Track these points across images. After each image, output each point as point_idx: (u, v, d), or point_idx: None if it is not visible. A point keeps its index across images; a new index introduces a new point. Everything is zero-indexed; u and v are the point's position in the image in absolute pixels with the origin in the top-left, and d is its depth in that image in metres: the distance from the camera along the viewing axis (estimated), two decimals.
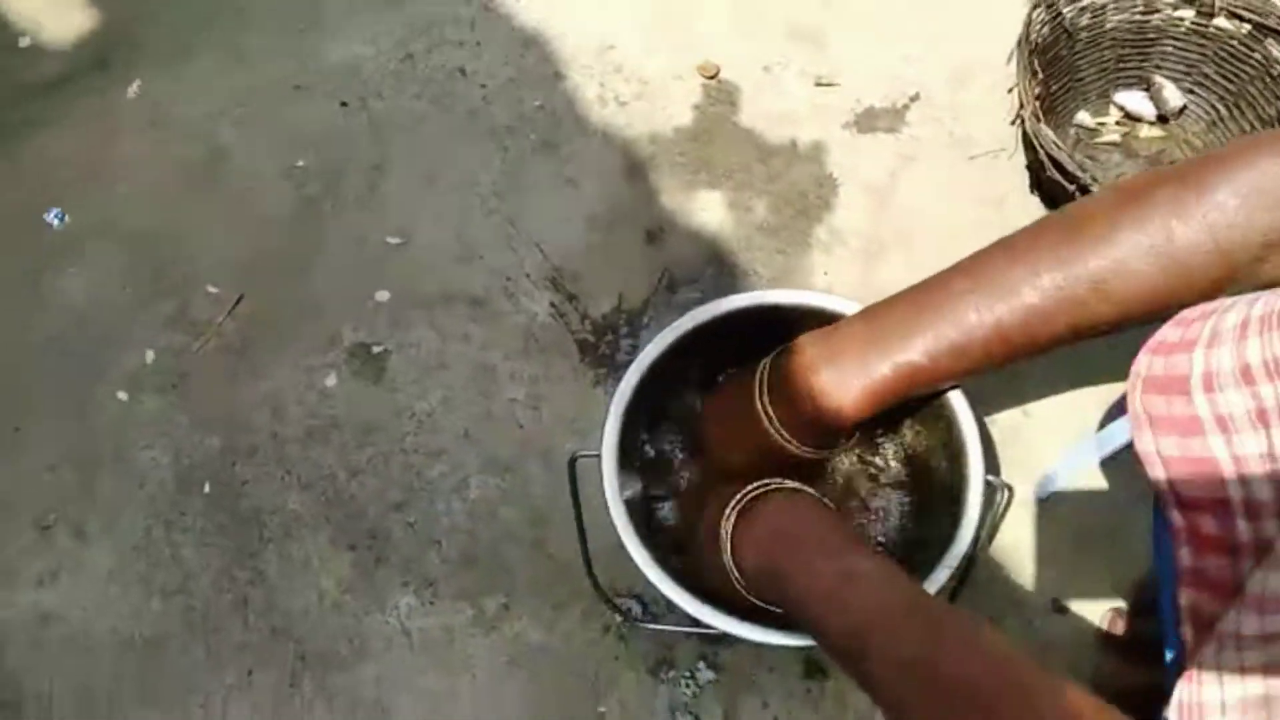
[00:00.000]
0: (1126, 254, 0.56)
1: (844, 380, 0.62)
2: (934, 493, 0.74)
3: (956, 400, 0.69)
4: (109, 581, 0.91)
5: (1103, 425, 0.90)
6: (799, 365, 0.64)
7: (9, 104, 1.13)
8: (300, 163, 1.06)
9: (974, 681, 0.47)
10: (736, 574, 0.66)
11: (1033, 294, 0.58)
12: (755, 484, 0.67)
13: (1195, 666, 0.44)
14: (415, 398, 0.95)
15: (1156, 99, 1.01)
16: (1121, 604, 0.84)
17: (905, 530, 0.77)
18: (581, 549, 0.80)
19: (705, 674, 0.84)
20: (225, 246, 1.03)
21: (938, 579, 0.64)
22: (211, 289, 1.01)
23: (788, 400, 0.64)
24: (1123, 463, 0.88)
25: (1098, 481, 0.88)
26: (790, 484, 0.67)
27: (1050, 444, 0.90)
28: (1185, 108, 1.02)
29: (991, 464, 0.87)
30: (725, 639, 0.85)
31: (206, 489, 0.93)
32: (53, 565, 0.92)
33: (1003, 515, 0.69)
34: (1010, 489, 0.68)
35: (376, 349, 0.97)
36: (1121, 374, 0.90)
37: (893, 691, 0.51)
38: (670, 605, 0.85)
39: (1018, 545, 0.86)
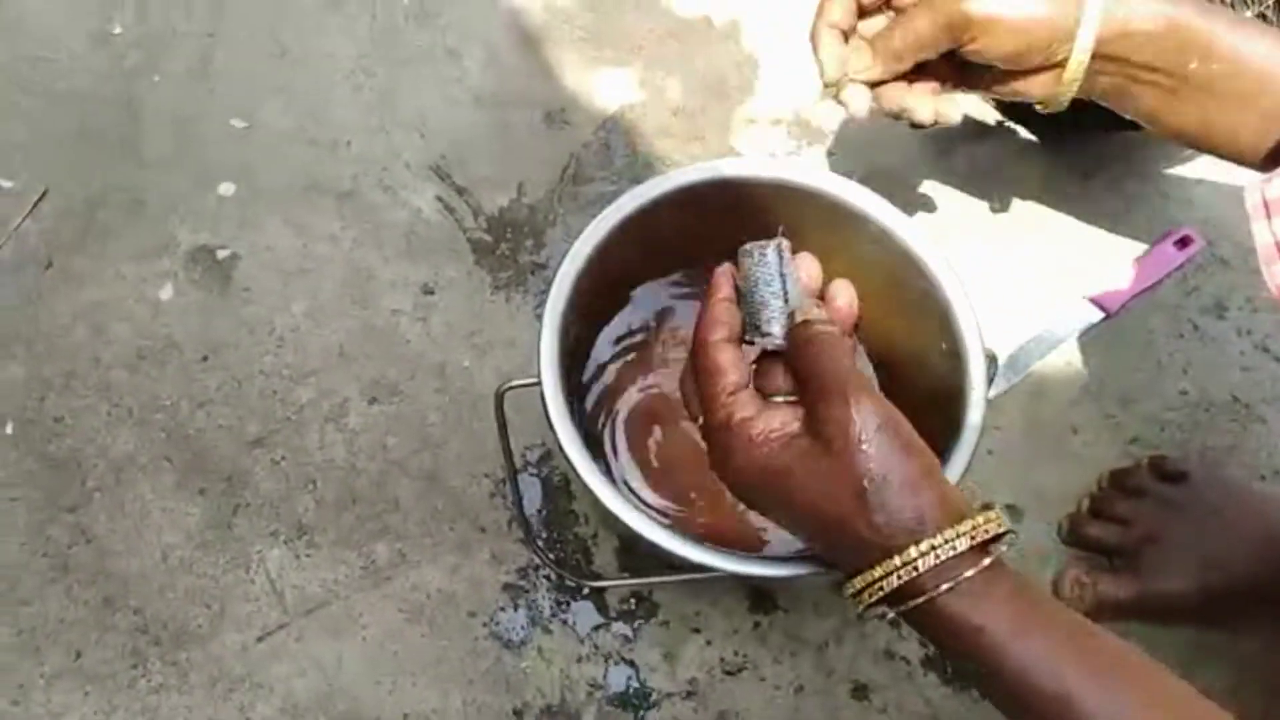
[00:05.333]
0: None
1: None
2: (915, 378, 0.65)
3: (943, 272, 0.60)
4: None
5: (1049, 321, 0.84)
6: None
7: None
8: (116, 29, 0.86)
9: None
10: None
11: None
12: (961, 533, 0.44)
13: None
14: (274, 310, 0.79)
15: None
16: (1083, 510, 0.78)
17: None
18: (514, 498, 0.68)
19: (640, 614, 0.73)
20: (19, 131, 0.83)
21: (957, 464, 0.55)
22: (4, 182, 0.81)
23: None
24: (1072, 358, 0.83)
25: (1048, 378, 0.82)
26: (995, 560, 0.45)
27: (991, 340, 0.82)
28: None
29: None
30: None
31: (8, 429, 0.75)
32: None
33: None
34: (994, 357, 0.61)
35: (222, 253, 0.80)
36: (1060, 271, 0.84)
37: None
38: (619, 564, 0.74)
39: None
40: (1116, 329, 0.84)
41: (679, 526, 0.66)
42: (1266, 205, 0.47)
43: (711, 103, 0.88)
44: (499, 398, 0.61)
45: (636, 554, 0.75)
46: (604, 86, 0.88)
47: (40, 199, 0.81)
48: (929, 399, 0.63)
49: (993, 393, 0.80)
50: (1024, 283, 0.85)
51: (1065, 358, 0.83)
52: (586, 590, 0.73)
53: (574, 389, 0.70)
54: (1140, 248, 0.86)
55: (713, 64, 0.90)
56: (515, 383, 0.60)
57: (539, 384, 0.58)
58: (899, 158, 0.87)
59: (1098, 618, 0.73)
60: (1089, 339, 0.83)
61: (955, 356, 0.60)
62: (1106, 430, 0.81)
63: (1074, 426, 0.81)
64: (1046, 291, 0.84)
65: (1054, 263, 0.86)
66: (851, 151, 0.87)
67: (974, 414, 0.57)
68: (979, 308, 0.82)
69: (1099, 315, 0.83)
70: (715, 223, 0.61)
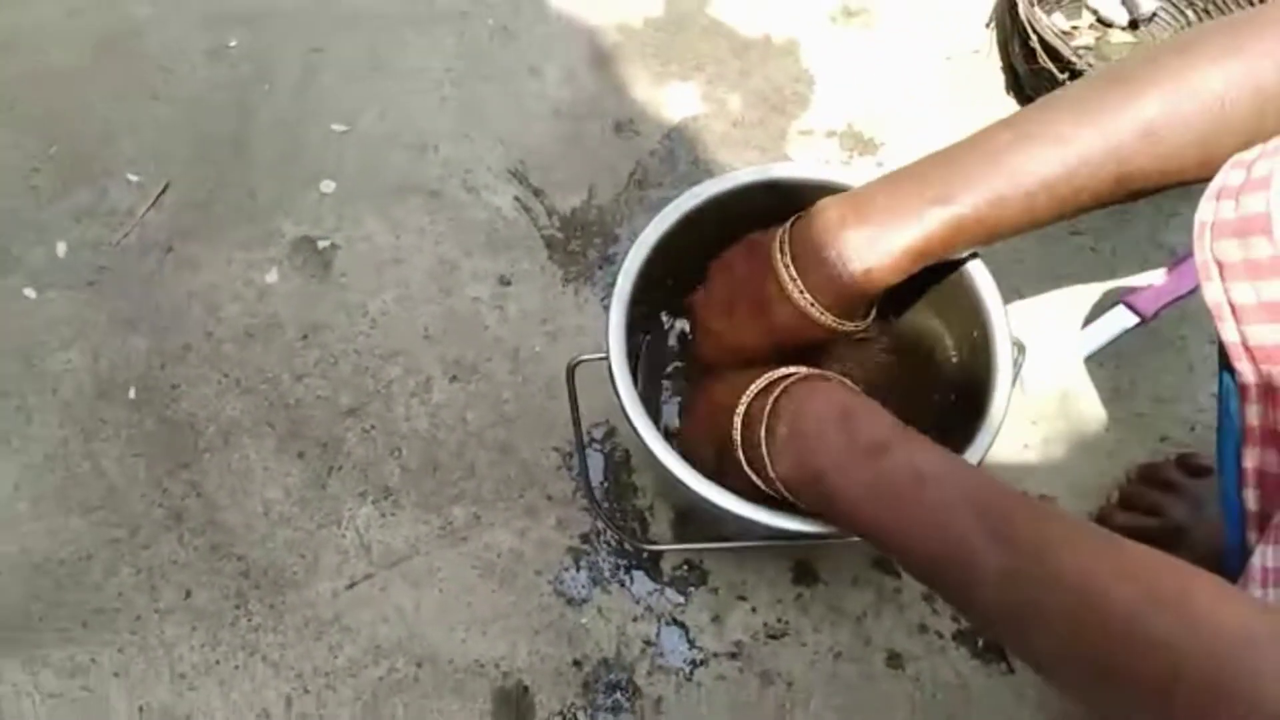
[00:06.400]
0: (1176, 101, 0.53)
1: (884, 235, 0.56)
2: (943, 366, 0.70)
3: (973, 264, 0.65)
4: (16, 497, 0.81)
5: (1086, 324, 0.88)
6: (826, 224, 0.58)
7: None
8: (231, 42, 0.96)
9: (1087, 567, 0.43)
10: (752, 473, 0.60)
11: (1079, 143, 0.54)
12: (770, 373, 0.60)
13: (1273, 529, 0.41)
14: (368, 295, 0.87)
15: (1129, 3, 1.00)
16: (1113, 500, 0.83)
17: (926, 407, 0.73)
18: (580, 466, 0.74)
19: (692, 581, 0.79)
20: (147, 131, 0.92)
21: (980, 444, 0.60)
22: (132, 177, 0.90)
23: (813, 263, 0.58)
24: (1108, 358, 0.87)
25: (1084, 378, 0.87)
26: (811, 370, 0.61)
27: (1031, 340, 0.87)
28: (1156, 14, 1.01)
29: None
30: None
31: (131, 394, 0.84)
32: None
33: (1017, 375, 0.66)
34: (1023, 347, 0.66)
35: (322, 243, 0.89)
36: (1101, 271, 0.89)
37: (991, 603, 0.46)
38: (674, 535, 0.81)
39: (1001, 440, 0.83)
40: (1151, 333, 0.88)
41: None
42: (1220, 266, 0.48)
43: (769, 115, 0.95)
44: (570, 370, 0.68)
45: (690, 525, 0.81)
46: (670, 100, 0.95)
47: (162, 192, 0.90)
48: (963, 382, 0.68)
49: (1029, 390, 0.86)
50: (1064, 287, 0.90)
51: (1101, 359, 0.87)
52: (645, 555, 0.80)
53: (635, 364, 0.76)
54: (1176, 257, 0.90)
55: (771, 79, 0.97)
56: (585, 357, 0.67)
57: (607, 358, 0.64)
58: None
59: None
60: (1124, 342, 0.88)
61: (985, 344, 0.65)
62: (1138, 428, 0.85)
63: (1107, 424, 0.85)
64: (1085, 296, 0.89)
65: (1093, 269, 0.90)
66: (900, 162, 0.93)
67: (999, 395, 0.63)
68: (1021, 311, 0.88)
69: (1134, 320, 0.88)
70: (765, 221, 0.68)
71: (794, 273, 0.59)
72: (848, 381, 0.61)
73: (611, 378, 0.63)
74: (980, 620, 0.48)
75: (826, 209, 0.59)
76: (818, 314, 0.59)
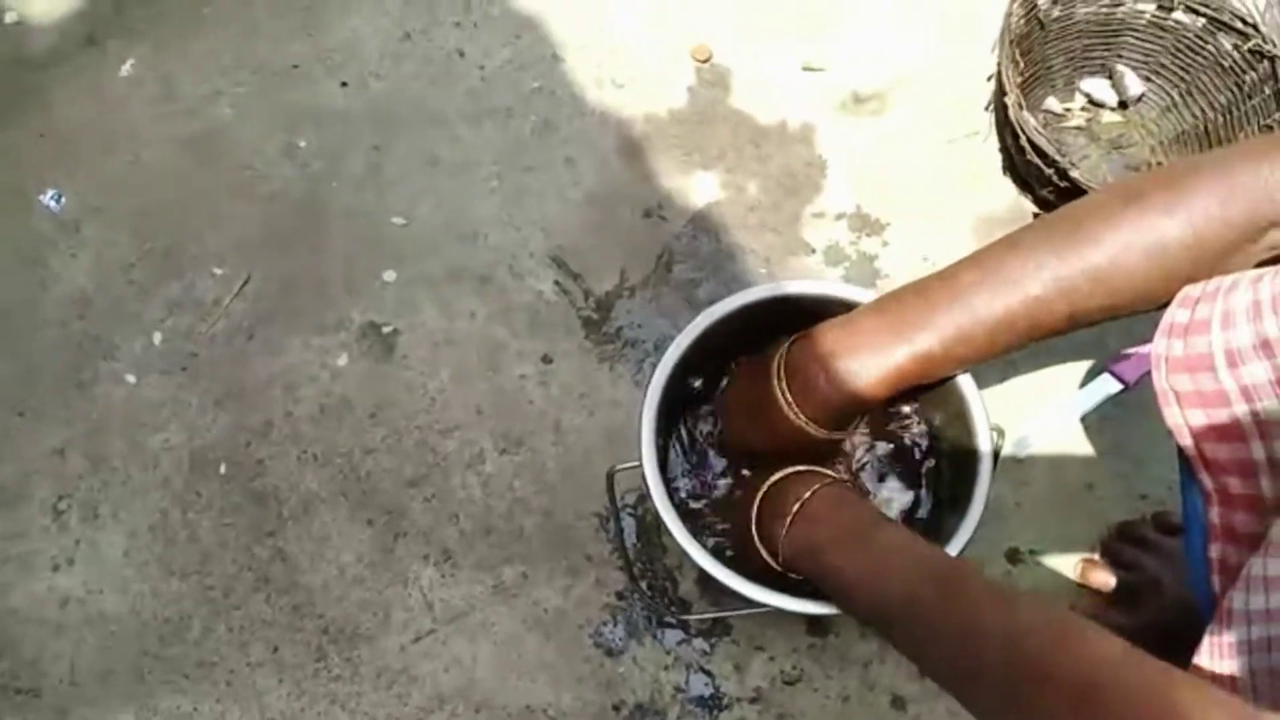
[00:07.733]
0: (1122, 249, 0.61)
1: (862, 367, 0.66)
2: (939, 456, 0.80)
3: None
4: (125, 563, 0.93)
5: (1083, 385, 0.97)
6: (817, 353, 0.68)
7: None
8: (301, 142, 1.06)
9: (1022, 641, 0.52)
10: (765, 553, 0.72)
11: (1036, 285, 0.62)
12: (781, 472, 0.73)
13: (1225, 610, 0.50)
14: (426, 376, 0.98)
15: (1118, 86, 1.08)
16: (1094, 555, 0.92)
17: (919, 494, 0.82)
18: (623, 556, 0.85)
19: (716, 633, 0.90)
20: (229, 227, 1.03)
21: (962, 537, 0.70)
22: (217, 270, 1.02)
23: (806, 386, 0.69)
24: (1093, 422, 0.96)
25: (1071, 441, 0.95)
26: (817, 469, 0.73)
27: (1024, 406, 0.96)
28: (1144, 95, 1.08)
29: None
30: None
31: (222, 469, 0.95)
32: (68, 549, 0.93)
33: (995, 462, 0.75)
34: (1001, 432, 0.75)
35: (386, 328, 1.00)
36: (1089, 343, 0.98)
37: (938, 653, 0.56)
38: (699, 591, 0.90)
39: (996, 501, 0.93)
40: (1134, 399, 0.96)
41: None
42: (1177, 395, 0.56)
43: (784, 199, 1.04)
44: (610, 477, 0.78)
45: (714, 584, 0.91)
46: (694, 186, 1.05)
47: (244, 284, 1.01)
48: (963, 459, 0.78)
49: (1019, 451, 0.95)
50: (1056, 358, 0.98)
51: (1087, 423, 0.96)
52: (673, 618, 0.90)
53: (664, 457, 0.86)
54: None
55: (786, 165, 1.06)
56: (622, 466, 0.77)
57: (640, 467, 0.74)
58: (957, 245, 1.02)
59: None
60: (1109, 407, 0.96)
61: (969, 432, 0.75)
62: (1119, 486, 0.94)
63: (1090, 483, 0.94)
64: (1076, 365, 0.98)
65: (1084, 342, 0.98)
66: (904, 241, 1.02)
67: (983, 471, 0.72)
68: (1015, 379, 0.97)
69: (1118, 386, 0.96)
70: (775, 326, 0.77)
71: (790, 398, 0.70)
72: (835, 476, 0.73)
73: (645, 485, 0.73)
74: (930, 669, 0.59)
75: (820, 337, 0.69)
76: (813, 430, 0.70)
